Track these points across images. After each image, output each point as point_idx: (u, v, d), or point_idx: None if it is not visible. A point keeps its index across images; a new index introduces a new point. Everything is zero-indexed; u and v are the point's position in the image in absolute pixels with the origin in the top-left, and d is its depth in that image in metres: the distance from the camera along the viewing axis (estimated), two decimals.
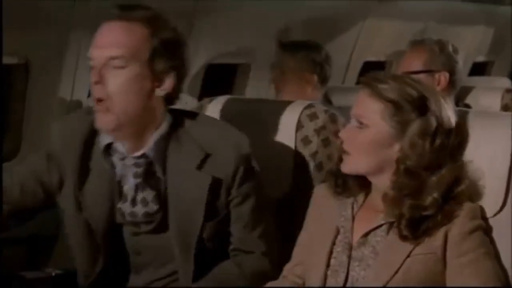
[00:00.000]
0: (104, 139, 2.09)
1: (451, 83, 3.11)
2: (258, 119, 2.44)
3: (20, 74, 3.15)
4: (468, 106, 3.30)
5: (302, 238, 2.13)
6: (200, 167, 2.07)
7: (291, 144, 2.39)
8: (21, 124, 3.19)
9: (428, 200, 1.91)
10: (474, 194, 1.96)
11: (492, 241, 1.95)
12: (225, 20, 3.58)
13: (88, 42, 3.22)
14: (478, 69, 5.36)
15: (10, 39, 2.95)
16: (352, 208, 2.04)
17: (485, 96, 3.44)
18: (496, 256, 1.94)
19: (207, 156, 2.07)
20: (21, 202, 2.16)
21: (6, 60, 3.04)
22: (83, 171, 2.11)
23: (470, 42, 4.96)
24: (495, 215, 1.99)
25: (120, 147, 2.08)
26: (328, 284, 1.99)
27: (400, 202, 1.92)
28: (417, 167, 1.92)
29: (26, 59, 3.10)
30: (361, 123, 1.97)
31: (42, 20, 3.04)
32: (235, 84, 4.08)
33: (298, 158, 2.38)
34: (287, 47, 3.36)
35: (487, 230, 1.96)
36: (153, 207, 2.09)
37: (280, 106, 2.48)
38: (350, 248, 1.99)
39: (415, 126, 1.93)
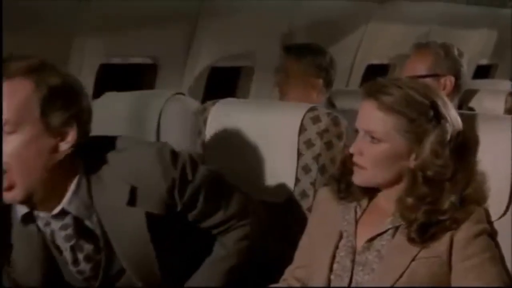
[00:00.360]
0: (20, 210, 1.89)
1: (456, 87, 3.09)
2: (261, 122, 2.44)
3: None
4: (471, 109, 3.30)
5: (304, 241, 2.13)
6: (131, 202, 1.90)
7: (294, 147, 2.39)
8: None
9: (446, 204, 1.91)
10: (481, 197, 1.97)
11: (496, 245, 1.96)
12: (228, 22, 3.59)
13: (91, 47, 3.26)
14: (482, 72, 5.37)
15: (15, 43, 2.97)
16: (355, 212, 2.04)
17: (489, 99, 3.44)
18: (501, 259, 1.95)
19: (133, 189, 1.89)
20: None
21: None
22: (4, 249, 1.91)
23: (473, 45, 4.96)
24: (499, 218, 1.99)
25: (40, 212, 1.89)
26: None
27: (416, 208, 1.92)
28: (438, 175, 1.92)
29: None
30: (373, 137, 1.96)
31: (47, 25, 3.05)
32: (239, 87, 4.09)
33: (301, 161, 2.38)
34: (292, 51, 3.37)
35: (491, 233, 1.96)
36: (95, 253, 1.93)
37: (283, 109, 2.48)
38: (354, 252, 1.99)
39: (432, 136, 1.93)
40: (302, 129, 2.38)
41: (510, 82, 4.27)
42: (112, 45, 3.35)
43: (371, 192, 2.03)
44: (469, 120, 2.05)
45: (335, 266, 2.00)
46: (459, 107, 3.15)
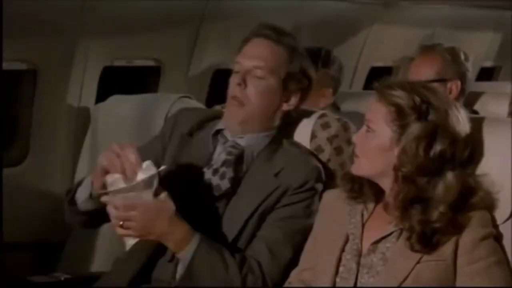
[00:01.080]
0: (218, 125, 2.39)
1: (462, 91, 3.09)
2: None
3: (29, 80, 3.19)
4: (475, 112, 3.29)
5: (310, 244, 2.15)
6: (276, 175, 2.30)
7: None
8: (29, 130, 3.22)
9: (435, 214, 1.92)
10: (488, 204, 1.97)
11: (502, 249, 1.97)
12: (233, 24, 3.60)
13: (95, 50, 3.28)
14: (486, 74, 5.36)
15: (19, 45, 2.99)
16: (362, 215, 2.05)
17: (493, 101, 3.43)
18: (507, 263, 1.96)
19: (282, 169, 2.30)
20: None
21: (16, 66, 3.08)
22: (185, 142, 2.40)
23: (477, 48, 4.96)
24: (504, 222, 2.00)
25: (227, 133, 2.37)
26: None
27: (406, 214, 1.94)
28: (412, 173, 1.94)
29: (35, 66, 3.14)
30: (369, 127, 2.01)
31: (51, 27, 3.07)
32: None
33: None
34: None
35: (497, 237, 1.97)
36: (227, 184, 2.29)
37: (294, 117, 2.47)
38: (359, 255, 2.01)
39: (410, 131, 1.96)
40: (312, 136, 2.40)
41: None
42: (116, 48, 3.37)
43: (379, 195, 2.05)
44: (473, 123, 2.05)
45: (340, 268, 2.02)
46: None
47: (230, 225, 2.26)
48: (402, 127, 1.96)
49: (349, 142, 2.37)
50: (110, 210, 2.15)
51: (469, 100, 3.32)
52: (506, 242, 1.99)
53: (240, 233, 2.25)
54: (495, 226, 1.99)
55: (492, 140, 2.06)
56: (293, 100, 2.38)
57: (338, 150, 2.39)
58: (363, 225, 2.04)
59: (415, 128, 1.95)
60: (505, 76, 5.48)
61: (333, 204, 2.12)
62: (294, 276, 2.16)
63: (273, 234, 2.24)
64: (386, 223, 2.01)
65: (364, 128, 2.03)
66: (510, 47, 5.30)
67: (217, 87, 3.80)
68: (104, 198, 2.16)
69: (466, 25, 4.88)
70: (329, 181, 2.30)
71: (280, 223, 2.25)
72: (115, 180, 2.13)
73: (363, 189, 2.05)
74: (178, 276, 2.22)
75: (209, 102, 3.50)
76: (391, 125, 1.98)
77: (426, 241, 1.92)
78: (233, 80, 2.36)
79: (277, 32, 2.38)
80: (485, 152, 2.05)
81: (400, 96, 1.97)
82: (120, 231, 2.15)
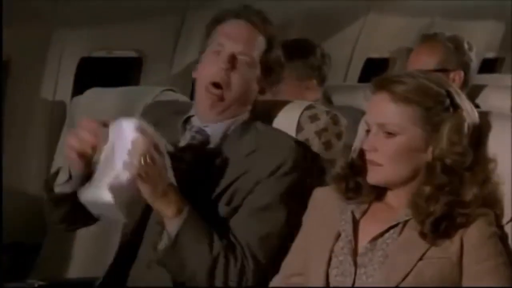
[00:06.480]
0: (190, 112, 2.38)
1: (465, 82, 3.09)
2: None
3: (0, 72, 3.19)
4: (477, 106, 3.30)
5: (298, 245, 2.13)
6: (247, 156, 2.29)
7: None
8: (1, 124, 3.22)
9: (470, 195, 1.93)
10: (494, 201, 1.98)
11: (507, 250, 1.97)
12: None
13: (72, 40, 3.27)
14: (488, 66, 5.37)
15: None
16: (352, 212, 2.04)
17: (495, 95, 3.42)
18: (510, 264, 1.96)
19: (254, 150, 2.29)
20: None
21: None
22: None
23: (479, 38, 4.97)
24: (508, 222, 2.01)
25: (196, 120, 2.36)
26: None
27: (435, 199, 1.94)
28: (457, 164, 1.95)
29: (6, 56, 3.13)
30: (388, 131, 1.98)
31: (24, 15, 3.07)
32: None
33: None
34: None
35: (502, 237, 1.98)
36: (191, 169, 2.30)
37: (278, 107, 2.48)
38: (354, 254, 1.99)
39: (449, 124, 1.95)
40: (299, 128, 2.38)
41: None
42: (94, 38, 3.36)
43: (379, 190, 2.04)
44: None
45: (334, 271, 2.01)
46: None
47: (203, 207, 2.25)
48: (434, 125, 1.96)
49: (339, 136, 2.37)
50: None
51: (470, 93, 3.33)
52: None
53: (216, 214, 2.25)
54: (500, 226, 1.99)
55: (495, 136, 2.06)
56: (267, 89, 2.39)
57: (327, 145, 2.37)
58: (357, 223, 2.03)
59: (452, 121, 1.96)
60: (508, 67, 5.50)
61: (324, 203, 2.11)
62: (280, 282, 2.14)
63: (252, 225, 2.23)
64: (387, 217, 2.00)
65: (380, 133, 1.99)
66: None
67: None
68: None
69: (467, 13, 4.89)
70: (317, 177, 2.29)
71: (259, 213, 2.24)
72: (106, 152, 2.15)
73: (360, 188, 2.04)
74: (161, 245, 2.21)
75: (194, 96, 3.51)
76: (421, 124, 1.96)
77: (438, 227, 1.92)
78: (215, 62, 2.32)
79: (261, 17, 2.38)
80: (488, 148, 2.05)
81: (418, 92, 1.97)
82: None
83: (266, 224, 2.24)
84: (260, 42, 2.35)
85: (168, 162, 2.19)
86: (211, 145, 2.33)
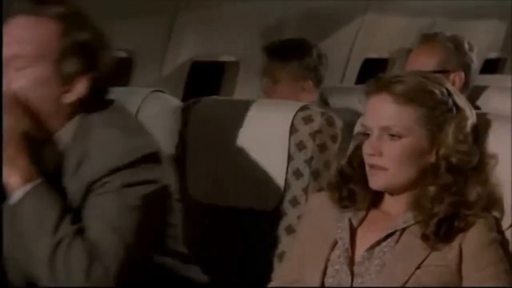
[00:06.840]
0: None
1: (465, 83, 3.09)
2: (248, 122, 2.44)
3: None
4: (478, 107, 3.29)
5: (294, 253, 2.11)
6: (74, 173, 2.00)
7: (284, 150, 2.38)
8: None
9: (473, 195, 1.93)
10: (493, 203, 1.97)
11: (508, 256, 1.95)
12: (211, 15, 3.59)
13: None
14: (490, 66, 5.39)
15: None
16: (350, 220, 2.02)
17: (497, 96, 3.43)
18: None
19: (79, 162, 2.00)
20: None
21: None
22: None
23: (481, 38, 4.98)
24: (508, 228, 2.01)
25: None
26: None
27: (440, 199, 1.93)
28: (463, 163, 1.94)
29: None
30: (392, 134, 1.96)
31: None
32: (223, 84, 4.09)
33: (292, 165, 2.38)
34: (276, 54, 3.36)
35: (503, 243, 1.96)
36: None
37: (272, 108, 2.48)
38: (351, 263, 1.98)
39: (454, 124, 1.95)
40: (293, 130, 2.38)
41: None
42: None
43: (375, 197, 2.03)
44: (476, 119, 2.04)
45: (330, 280, 1.99)
46: None
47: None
48: (439, 124, 1.96)
49: (334, 138, 2.36)
50: None
51: (471, 95, 3.31)
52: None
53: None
54: (501, 232, 1.97)
55: (495, 137, 2.06)
56: (79, 87, 2.00)
57: (322, 147, 2.37)
58: (354, 230, 2.01)
59: (454, 121, 1.96)
60: (510, 68, 5.52)
61: (320, 209, 2.08)
62: None
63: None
64: (385, 224, 1.99)
65: (383, 136, 1.96)
66: None
67: (195, 80, 3.80)
68: None
69: (469, 13, 4.90)
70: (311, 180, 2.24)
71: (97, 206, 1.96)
72: None
73: (354, 196, 2.02)
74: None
75: (187, 97, 3.47)
76: (425, 124, 1.95)
77: (440, 226, 1.90)
78: None
79: (37, 2, 2.00)
80: (488, 150, 2.03)
81: (420, 92, 1.95)
82: None
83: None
84: (48, 30, 1.98)
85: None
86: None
